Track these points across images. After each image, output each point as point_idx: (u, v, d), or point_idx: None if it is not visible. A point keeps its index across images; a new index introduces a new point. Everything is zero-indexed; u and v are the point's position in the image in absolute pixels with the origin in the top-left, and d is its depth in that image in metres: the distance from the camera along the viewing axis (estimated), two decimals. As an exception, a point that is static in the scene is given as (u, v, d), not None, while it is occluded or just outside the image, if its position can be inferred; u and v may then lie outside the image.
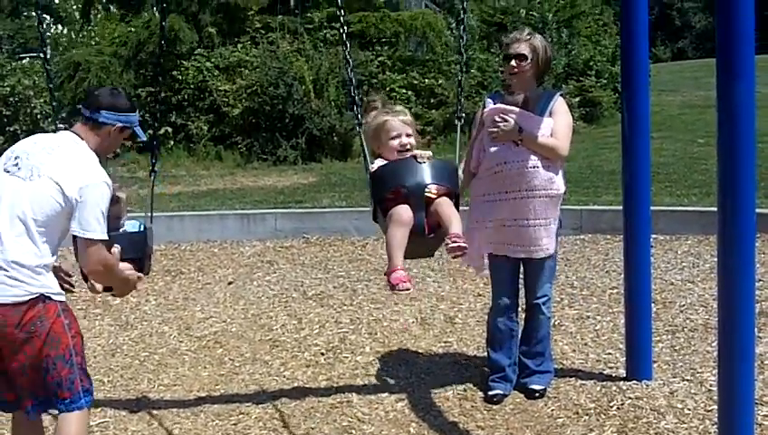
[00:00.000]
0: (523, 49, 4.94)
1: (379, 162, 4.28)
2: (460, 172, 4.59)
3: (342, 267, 8.76)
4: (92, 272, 3.94)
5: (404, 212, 4.01)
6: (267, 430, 4.97)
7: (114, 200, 4.50)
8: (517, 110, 4.89)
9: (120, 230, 4.38)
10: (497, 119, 4.89)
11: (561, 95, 5.09)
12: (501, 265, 5.17)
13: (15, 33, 20.36)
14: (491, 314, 5.38)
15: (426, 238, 4.14)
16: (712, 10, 3.65)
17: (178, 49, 17.50)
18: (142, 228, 4.43)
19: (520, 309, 5.33)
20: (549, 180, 4.85)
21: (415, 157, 4.12)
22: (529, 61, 4.93)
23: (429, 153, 4.20)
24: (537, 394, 5.16)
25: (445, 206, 4.09)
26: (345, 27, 4.73)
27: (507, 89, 5.05)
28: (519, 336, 5.35)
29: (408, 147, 4.25)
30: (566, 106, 5.06)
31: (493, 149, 4.90)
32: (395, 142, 4.22)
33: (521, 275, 5.24)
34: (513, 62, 4.94)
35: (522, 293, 5.30)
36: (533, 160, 4.82)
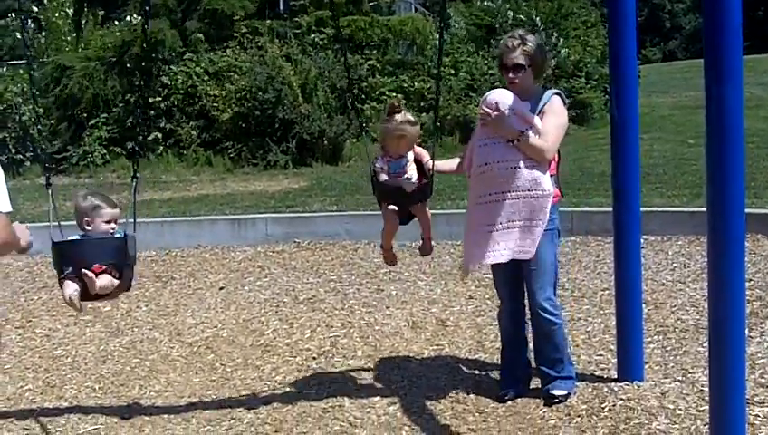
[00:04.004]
0: (520, 59, 4.86)
1: (380, 162, 4.93)
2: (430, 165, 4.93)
3: (334, 271, 8.75)
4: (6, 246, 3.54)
5: (393, 219, 5.00)
6: (259, 436, 4.96)
7: (91, 207, 4.44)
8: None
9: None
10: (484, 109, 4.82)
11: (556, 94, 4.99)
12: (497, 269, 5.13)
13: (2, 39, 20.27)
14: (498, 317, 5.41)
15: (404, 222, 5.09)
16: (701, 10, 3.65)
17: (162, 54, 17.47)
18: (122, 234, 4.41)
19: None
20: (533, 181, 4.74)
21: (402, 187, 4.86)
22: (527, 69, 4.88)
23: (414, 183, 4.87)
24: (557, 400, 5.05)
25: (421, 212, 5.03)
26: (338, 32, 5.06)
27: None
28: (527, 338, 5.31)
29: (411, 150, 4.94)
30: (561, 106, 4.95)
31: (479, 148, 4.86)
32: (406, 150, 4.89)
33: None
34: (510, 74, 4.88)
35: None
36: (514, 161, 4.73)
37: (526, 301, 5.18)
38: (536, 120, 4.80)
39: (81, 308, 4.33)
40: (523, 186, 4.75)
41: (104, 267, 4.28)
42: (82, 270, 4.20)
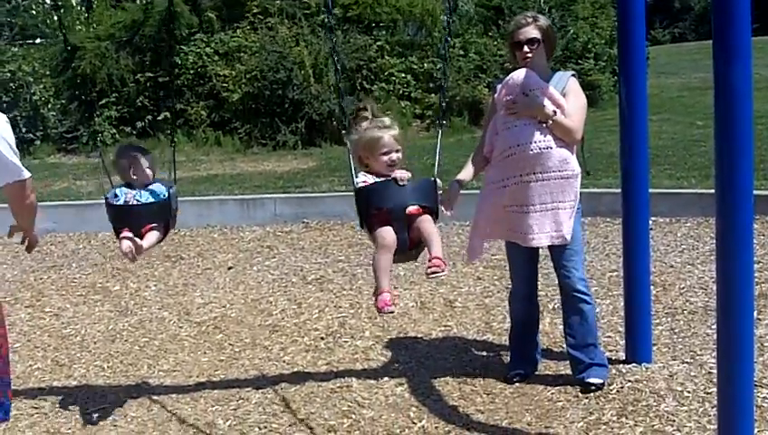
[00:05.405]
0: (534, 33, 4.86)
1: (363, 176, 4.28)
2: (440, 183, 4.33)
3: (342, 252, 8.76)
4: (30, 210, 3.81)
5: (388, 236, 4.14)
6: (267, 415, 4.98)
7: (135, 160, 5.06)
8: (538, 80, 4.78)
9: (149, 188, 4.99)
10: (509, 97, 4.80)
11: (572, 75, 4.99)
12: (515, 251, 5.09)
13: (13, 19, 20.20)
14: (508, 300, 5.39)
15: (408, 253, 4.31)
16: (710, -9, 3.63)
17: (178, 31, 17.40)
18: (166, 194, 5.00)
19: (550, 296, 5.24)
20: (563, 161, 4.74)
21: (395, 180, 4.18)
22: (541, 43, 4.88)
23: (408, 175, 4.23)
24: (594, 387, 4.96)
25: (426, 224, 4.18)
26: (330, 18, 4.69)
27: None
28: (539, 320, 5.35)
29: (396, 162, 4.30)
30: (579, 87, 4.95)
31: (505, 131, 4.82)
32: (385, 158, 4.27)
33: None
34: (525, 48, 4.86)
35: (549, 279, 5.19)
36: (547, 141, 4.72)
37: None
38: (563, 100, 4.79)
39: (134, 259, 4.78)
40: (554, 166, 4.74)
41: (153, 225, 4.88)
42: (133, 237, 4.70)
